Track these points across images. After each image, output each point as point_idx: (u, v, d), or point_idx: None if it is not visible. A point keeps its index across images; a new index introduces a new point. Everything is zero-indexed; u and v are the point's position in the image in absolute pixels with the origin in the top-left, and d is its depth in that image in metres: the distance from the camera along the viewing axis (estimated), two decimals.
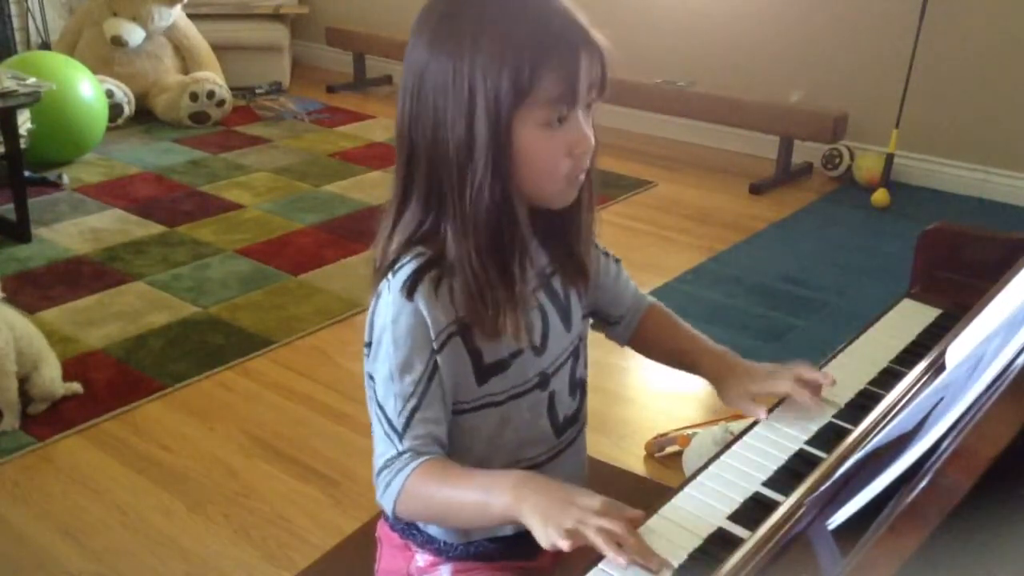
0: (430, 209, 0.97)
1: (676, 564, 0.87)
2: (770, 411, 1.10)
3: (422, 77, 0.94)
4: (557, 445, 1.11)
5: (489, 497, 0.91)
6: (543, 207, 1.00)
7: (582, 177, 0.99)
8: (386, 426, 0.98)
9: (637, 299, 1.24)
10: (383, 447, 0.98)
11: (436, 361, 0.97)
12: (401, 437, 0.97)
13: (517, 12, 0.92)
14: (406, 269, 0.97)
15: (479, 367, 1.01)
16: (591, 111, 0.98)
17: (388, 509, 0.98)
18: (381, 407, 0.99)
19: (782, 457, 1.03)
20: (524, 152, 0.93)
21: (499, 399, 1.04)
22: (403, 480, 0.95)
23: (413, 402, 0.97)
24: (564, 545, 0.84)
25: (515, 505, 0.89)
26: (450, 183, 0.94)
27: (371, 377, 1.01)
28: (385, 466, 0.97)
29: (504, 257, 0.97)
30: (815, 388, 1.11)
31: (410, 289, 0.96)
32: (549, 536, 0.85)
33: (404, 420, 0.97)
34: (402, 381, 0.97)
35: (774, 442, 1.06)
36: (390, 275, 0.98)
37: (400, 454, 0.97)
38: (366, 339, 1.01)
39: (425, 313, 0.96)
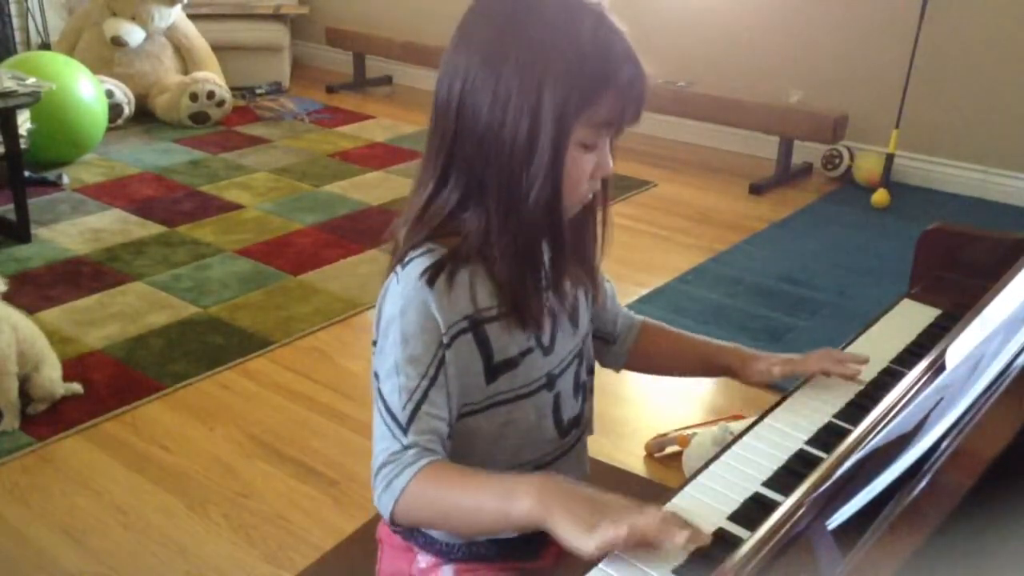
0: (470, 191, 0.97)
1: (676, 564, 0.87)
2: (785, 398, 1.16)
3: (484, 69, 0.93)
4: (561, 446, 1.11)
5: (508, 504, 0.87)
6: None
7: (588, 197, 1.02)
8: (389, 420, 0.95)
9: (628, 318, 1.26)
10: (385, 443, 0.94)
11: (444, 356, 0.96)
12: (406, 431, 0.93)
13: (590, 28, 0.93)
14: (419, 262, 0.96)
15: (489, 365, 1.00)
16: (616, 140, 1.00)
17: (387, 510, 0.93)
18: (385, 401, 0.95)
19: (782, 457, 1.03)
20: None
21: (507, 398, 1.03)
22: (408, 478, 0.91)
23: (419, 395, 0.94)
24: (607, 545, 0.82)
25: (542, 512, 0.85)
26: (501, 173, 0.94)
27: (376, 374, 0.98)
28: (388, 461, 0.93)
29: (541, 246, 0.99)
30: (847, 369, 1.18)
31: (429, 280, 0.95)
32: (589, 542, 0.82)
33: (409, 413, 0.94)
34: (408, 375, 0.94)
35: (774, 442, 1.06)
36: (399, 267, 0.97)
37: (405, 448, 0.93)
38: (374, 337, 0.99)
39: (435, 308, 0.95)
